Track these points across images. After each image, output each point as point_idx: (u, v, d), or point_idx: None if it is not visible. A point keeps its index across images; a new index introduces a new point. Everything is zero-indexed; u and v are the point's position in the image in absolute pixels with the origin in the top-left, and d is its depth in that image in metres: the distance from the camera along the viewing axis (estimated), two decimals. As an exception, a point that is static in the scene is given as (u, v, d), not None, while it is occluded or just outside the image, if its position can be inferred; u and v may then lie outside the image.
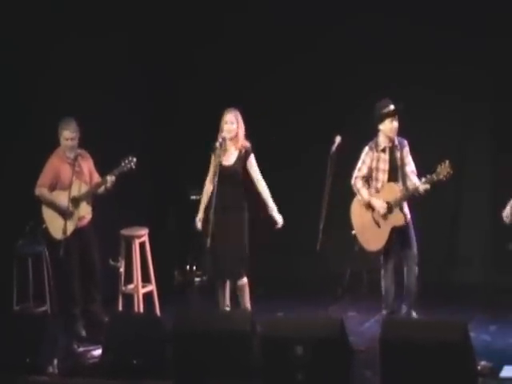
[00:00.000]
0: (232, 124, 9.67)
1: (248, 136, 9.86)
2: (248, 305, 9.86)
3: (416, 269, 9.59)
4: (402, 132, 9.70)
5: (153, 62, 11.98)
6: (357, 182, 9.70)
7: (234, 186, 9.74)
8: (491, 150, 11.33)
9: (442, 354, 7.69)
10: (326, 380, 7.90)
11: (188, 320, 8.60)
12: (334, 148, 9.68)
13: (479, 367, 8.19)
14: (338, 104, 11.20)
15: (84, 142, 10.06)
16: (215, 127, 9.77)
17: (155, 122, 12.06)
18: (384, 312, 9.75)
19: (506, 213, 9.22)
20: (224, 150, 9.72)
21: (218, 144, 9.69)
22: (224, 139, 9.68)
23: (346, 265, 10.03)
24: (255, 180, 9.74)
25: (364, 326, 9.81)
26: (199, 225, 9.82)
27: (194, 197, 10.71)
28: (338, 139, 9.70)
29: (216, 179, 9.65)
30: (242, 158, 9.73)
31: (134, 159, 9.91)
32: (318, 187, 9.58)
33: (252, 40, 11.67)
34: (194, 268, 11.00)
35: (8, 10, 10.58)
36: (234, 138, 9.71)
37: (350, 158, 9.81)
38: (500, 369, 8.39)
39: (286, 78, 11.58)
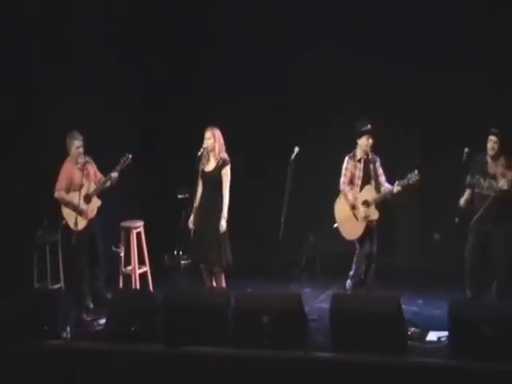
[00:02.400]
0: (209, 139, 9.72)
1: (229, 150, 9.86)
2: (223, 284, 9.86)
3: (373, 265, 9.66)
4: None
5: (145, 76, 11.87)
6: (345, 187, 9.73)
7: (213, 188, 9.75)
8: (418, 159, 11.38)
9: (380, 322, 7.77)
10: (287, 343, 7.92)
11: (175, 295, 8.63)
12: (293, 157, 9.72)
13: (409, 333, 8.26)
14: (297, 123, 11.16)
15: (87, 149, 10.05)
16: (199, 142, 9.78)
17: (148, 134, 11.98)
18: (349, 281, 9.76)
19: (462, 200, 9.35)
20: (206, 159, 9.76)
21: (199, 153, 9.74)
22: (205, 149, 9.72)
23: (302, 251, 10.04)
24: (223, 188, 9.74)
25: (317, 300, 9.82)
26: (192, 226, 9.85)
27: (180, 195, 10.72)
28: (296, 150, 9.72)
29: (200, 183, 9.74)
30: (220, 167, 9.74)
31: (130, 156, 9.93)
32: (281, 189, 9.61)
33: (239, 57, 11.54)
34: (181, 253, 10.97)
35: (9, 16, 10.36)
36: (212, 150, 9.74)
37: (305, 166, 9.88)
38: (426, 334, 8.47)
39: (260, 101, 11.56)
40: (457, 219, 9.34)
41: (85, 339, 8.64)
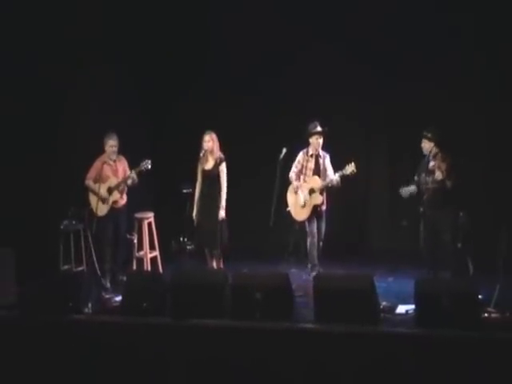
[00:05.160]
0: (208, 142, 9.83)
1: (223, 149, 9.89)
2: (221, 265, 9.91)
3: (320, 244, 9.99)
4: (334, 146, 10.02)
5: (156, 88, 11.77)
6: (293, 175, 10.05)
7: (212, 184, 9.85)
8: (387, 159, 11.40)
9: (356, 297, 7.73)
10: (277, 316, 7.88)
11: (181, 275, 8.59)
12: (281, 156, 9.78)
13: (381, 306, 8.27)
14: (284, 128, 11.08)
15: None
16: (199, 142, 9.86)
17: (158, 139, 11.92)
18: (309, 265, 9.87)
19: (405, 190, 9.39)
20: (205, 159, 9.78)
21: (201, 155, 9.79)
22: (206, 151, 9.76)
23: (290, 237, 10.06)
24: (221, 182, 9.80)
25: (302, 279, 9.81)
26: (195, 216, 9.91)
27: (185, 190, 10.67)
28: (284, 150, 9.82)
29: (200, 179, 9.82)
30: (218, 165, 9.83)
31: (149, 161, 10.02)
32: (271, 184, 9.63)
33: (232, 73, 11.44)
34: (186, 239, 10.97)
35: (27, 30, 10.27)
36: (211, 152, 9.80)
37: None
38: (395, 307, 8.51)
39: (252, 108, 11.50)
40: (421, 208, 9.40)
41: (104, 314, 8.63)
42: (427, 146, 9.45)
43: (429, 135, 9.43)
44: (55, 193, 10.46)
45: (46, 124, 10.48)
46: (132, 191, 10.35)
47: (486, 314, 7.95)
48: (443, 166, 9.21)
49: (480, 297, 7.80)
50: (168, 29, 11.49)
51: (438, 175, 9.20)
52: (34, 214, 10.31)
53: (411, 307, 8.17)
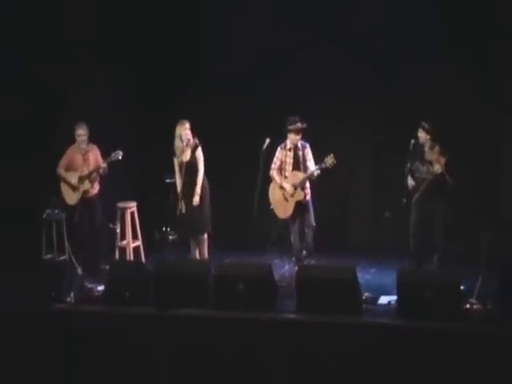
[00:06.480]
0: (190, 130, 9.78)
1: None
2: (205, 255, 9.92)
3: (311, 233, 9.85)
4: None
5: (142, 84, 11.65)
6: (273, 172, 9.94)
7: (194, 173, 9.79)
8: (372, 153, 11.40)
9: (339, 288, 7.80)
10: (260, 306, 7.93)
11: (164, 265, 8.64)
12: (264, 147, 9.78)
13: (364, 297, 8.31)
14: (267, 119, 10.98)
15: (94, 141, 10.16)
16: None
17: (142, 129, 11.80)
18: (293, 259, 9.93)
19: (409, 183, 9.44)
20: (182, 150, 9.78)
21: (184, 144, 9.74)
22: (189, 140, 9.73)
23: (272, 229, 10.09)
24: (198, 168, 9.78)
25: (285, 269, 9.85)
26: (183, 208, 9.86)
27: (167, 180, 10.63)
28: (267, 141, 9.80)
29: (183, 171, 9.71)
30: (193, 151, 9.79)
31: (121, 152, 9.95)
32: (255, 175, 9.66)
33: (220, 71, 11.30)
34: (168, 229, 10.95)
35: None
36: (189, 142, 9.76)
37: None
38: (377, 298, 8.55)
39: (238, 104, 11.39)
40: (404, 200, 9.47)
41: (86, 303, 8.63)
42: (423, 135, 9.49)
43: (426, 126, 9.47)
44: (37, 182, 10.40)
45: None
46: (115, 181, 10.33)
47: (467, 305, 8.01)
48: (442, 161, 9.30)
49: (462, 287, 7.87)
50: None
51: (438, 169, 9.28)
52: (16, 203, 10.26)
53: (393, 298, 8.22)
